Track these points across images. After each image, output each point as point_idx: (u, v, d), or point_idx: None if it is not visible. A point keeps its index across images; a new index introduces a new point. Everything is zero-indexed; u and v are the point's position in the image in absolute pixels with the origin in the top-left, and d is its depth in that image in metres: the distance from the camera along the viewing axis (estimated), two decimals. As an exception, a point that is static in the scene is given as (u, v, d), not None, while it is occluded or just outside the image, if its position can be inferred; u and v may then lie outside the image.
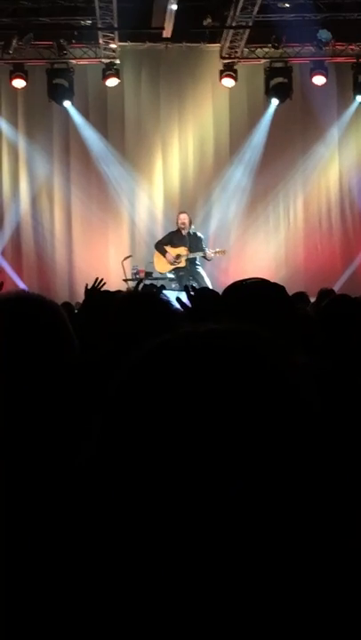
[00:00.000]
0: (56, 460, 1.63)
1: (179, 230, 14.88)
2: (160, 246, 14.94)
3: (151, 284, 10.11)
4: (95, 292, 4.31)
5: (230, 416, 0.82)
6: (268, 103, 16.70)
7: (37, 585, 1.57)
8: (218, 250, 14.88)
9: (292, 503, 0.81)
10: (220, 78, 16.36)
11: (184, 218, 14.94)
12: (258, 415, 0.82)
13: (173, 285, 14.26)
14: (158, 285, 7.89)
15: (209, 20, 15.54)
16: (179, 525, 0.80)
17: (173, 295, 3.80)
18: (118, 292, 4.86)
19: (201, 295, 4.11)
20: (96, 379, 2.01)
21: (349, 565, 0.83)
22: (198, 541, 0.79)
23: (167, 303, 2.67)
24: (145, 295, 3.43)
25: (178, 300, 3.67)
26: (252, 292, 2.93)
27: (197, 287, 9.63)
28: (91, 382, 1.90)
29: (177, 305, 3.39)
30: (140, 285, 5.92)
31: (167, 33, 15.46)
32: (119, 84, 16.37)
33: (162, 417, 0.83)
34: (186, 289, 3.99)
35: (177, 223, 15.00)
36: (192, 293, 3.81)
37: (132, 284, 13.59)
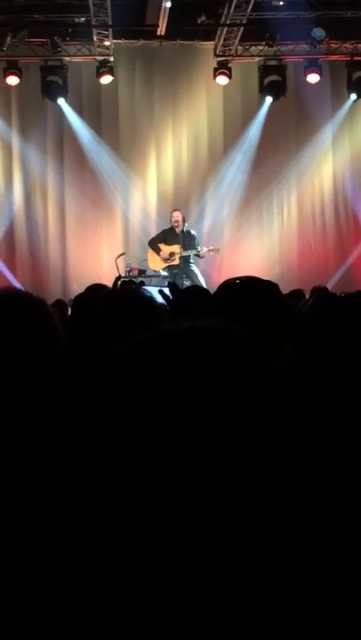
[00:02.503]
0: (38, 459, 1.64)
1: (172, 228, 14.88)
2: (154, 244, 14.93)
3: (130, 281, 10.08)
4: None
5: (203, 412, 0.82)
6: (262, 101, 16.70)
7: (30, 581, 1.57)
8: (211, 248, 14.88)
9: (268, 495, 0.81)
10: (215, 76, 16.34)
11: (177, 216, 14.94)
12: (229, 412, 0.83)
13: (167, 283, 14.24)
14: (138, 282, 7.88)
15: (203, 18, 15.53)
16: (159, 522, 0.80)
17: (155, 290, 3.80)
18: (103, 287, 4.86)
19: (185, 290, 4.12)
20: (82, 375, 2.01)
21: (332, 562, 0.84)
22: (179, 538, 0.80)
23: (150, 298, 2.67)
24: (128, 291, 3.44)
25: (160, 292, 3.66)
26: (244, 289, 2.93)
27: (190, 285, 9.63)
28: (78, 378, 1.91)
29: (160, 299, 3.39)
30: (119, 283, 5.92)
31: (161, 30, 15.45)
32: (113, 81, 16.35)
33: (139, 413, 0.83)
34: (169, 285, 4.00)
35: (170, 221, 15.00)
36: (172, 289, 3.82)
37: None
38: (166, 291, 3.79)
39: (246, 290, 2.92)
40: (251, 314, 2.69)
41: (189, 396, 0.83)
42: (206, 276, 14.96)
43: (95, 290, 4.65)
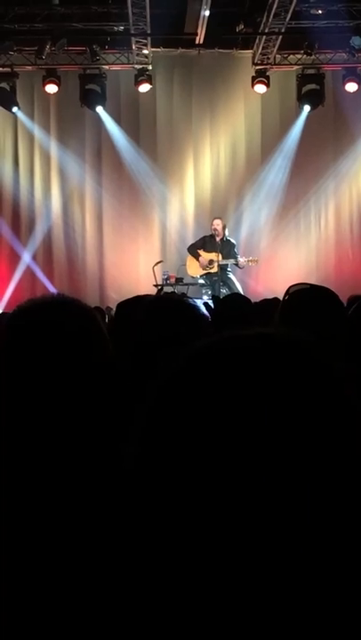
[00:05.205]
0: (92, 462, 1.64)
1: (212, 236, 14.83)
2: (193, 250, 14.91)
3: (172, 292, 10.06)
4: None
5: (281, 419, 0.81)
6: (299, 110, 16.66)
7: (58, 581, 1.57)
8: (251, 258, 14.80)
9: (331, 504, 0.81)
10: (253, 84, 16.33)
11: (218, 224, 14.86)
12: (307, 417, 0.82)
13: (204, 291, 14.30)
14: (180, 293, 7.85)
15: (242, 27, 15.52)
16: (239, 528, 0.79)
17: (198, 302, 3.82)
18: (145, 296, 4.88)
19: (228, 300, 4.12)
20: (130, 381, 2.02)
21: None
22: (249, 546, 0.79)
23: (194, 306, 2.66)
24: (171, 298, 3.44)
25: (205, 304, 3.67)
26: (316, 294, 2.97)
27: (230, 293, 9.59)
28: (126, 385, 1.91)
29: (204, 310, 3.41)
30: (161, 293, 5.91)
31: (200, 39, 15.47)
32: (151, 89, 16.38)
33: (210, 419, 0.82)
34: (214, 298, 4.01)
35: (210, 229, 14.97)
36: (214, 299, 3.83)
37: (166, 289, 13.55)
38: (211, 304, 3.80)
39: (318, 295, 2.96)
40: (321, 319, 2.73)
41: (263, 399, 0.82)
42: (243, 284, 14.94)
43: (140, 299, 4.65)
